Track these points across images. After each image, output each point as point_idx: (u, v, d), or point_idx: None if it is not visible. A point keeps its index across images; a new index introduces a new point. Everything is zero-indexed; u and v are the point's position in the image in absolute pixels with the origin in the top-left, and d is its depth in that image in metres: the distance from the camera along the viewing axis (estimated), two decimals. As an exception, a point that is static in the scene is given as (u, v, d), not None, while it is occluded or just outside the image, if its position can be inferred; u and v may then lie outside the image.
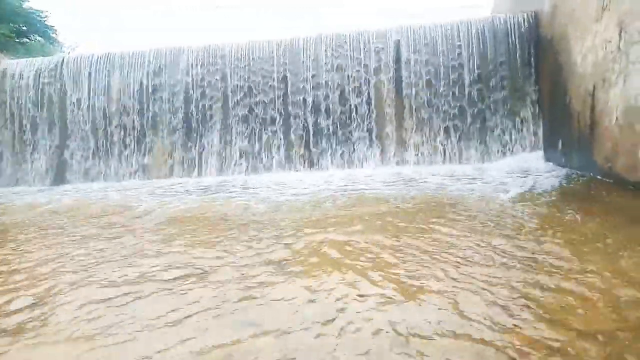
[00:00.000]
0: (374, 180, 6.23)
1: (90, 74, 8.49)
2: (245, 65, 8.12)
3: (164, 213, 4.79)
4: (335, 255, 2.87)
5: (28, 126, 8.65)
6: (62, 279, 2.80)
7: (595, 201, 4.35)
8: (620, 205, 4.08)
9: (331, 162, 7.85)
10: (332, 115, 7.89)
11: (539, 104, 7.33)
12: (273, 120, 8.04)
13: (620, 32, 4.68)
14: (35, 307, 2.37)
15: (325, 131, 7.91)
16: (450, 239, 3.15)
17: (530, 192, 4.79)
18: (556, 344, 1.69)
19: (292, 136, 7.99)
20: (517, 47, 7.40)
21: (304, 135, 7.96)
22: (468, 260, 2.67)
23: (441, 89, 7.60)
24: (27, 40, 14.70)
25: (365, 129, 7.83)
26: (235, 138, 8.14)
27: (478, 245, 2.96)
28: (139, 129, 8.34)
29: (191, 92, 8.23)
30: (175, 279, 2.67)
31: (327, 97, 7.90)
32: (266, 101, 8.06)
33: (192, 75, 8.24)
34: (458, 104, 7.55)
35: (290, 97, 7.99)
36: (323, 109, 7.92)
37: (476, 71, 7.50)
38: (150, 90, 8.31)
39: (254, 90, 8.09)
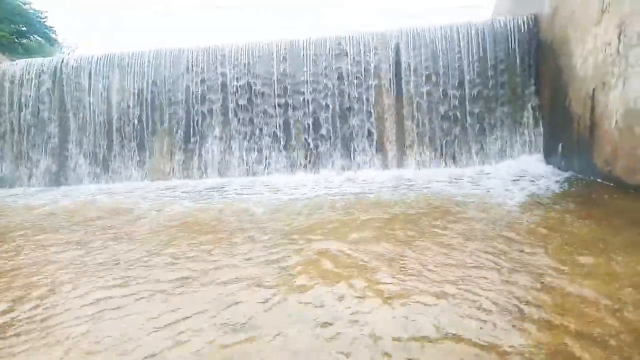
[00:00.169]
0: (374, 184, 6.22)
1: (90, 74, 8.48)
2: (245, 67, 8.11)
3: (161, 216, 4.77)
4: (334, 261, 2.85)
5: (27, 127, 8.63)
6: (54, 281, 2.78)
7: (596, 204, 4.35)
8: (621, 208, 4.08)
9: (331, 165, 7.84)
10: (332, 118, 7.89)
11: (539, 107, 7.34)
12: (273, 123, 8.03)
13: (620, 35, 4.68)
14: (20, 310, 2.35)
15: (325, 134, 7.91)
16: (451, 240, 3.14)
17: (531, 195, 4.78)
18: (557, 347, 1.68)
19: (292, 139, 7.98)
20: (517, 49, 7.41)
21: (304, 137, 7.95)
22: (468, 264, 2.66)
23: (441, 91, 7.60)
24: (27, 40, 14.70)
25: (365, 132, 7.83)
26: (235, 140, 8.13)
27: (478, 249, 2.95)
28: (138, 130, 8.33)
29: (191, 93, 8.22)
30: (170, 281, 2.66)
31: (327, 99, 7.90)
32: (266, 103, 8.05)
33: (192, 76, 8.23)
34: (458, 107, 7.55)
35: (290, 99, 7.99)
36: (323, 112, 7.92)
37: (476, 74, 7.50)
38: (150, 91, 8.30)
39: (254, 92, 8.08)
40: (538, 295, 2.15)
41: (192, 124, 8.22)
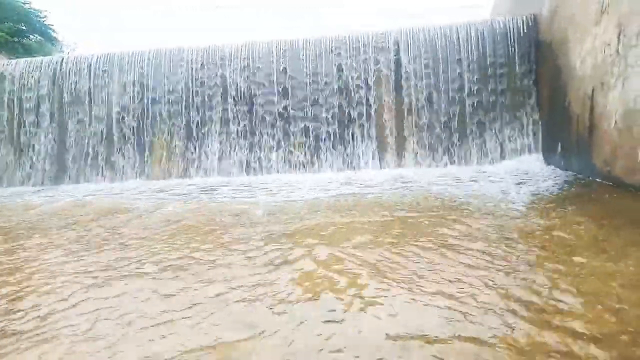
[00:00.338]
0: (373, 184, 6.21)
1: (89, 74, 8.47)
2: (244, 67, 8.12)
3: (158, 216, 4.75)
4: (332, 264, 2.84)
5: (26, 126, 8.62)
6: (51, 280, 2.78)
7: (595, 204, 4.35)
8: (620, 207, 4.08)
9: (331, 164, 7.84)
10: (331, 117, 7.89)
11: (538, 107, 7.35)
12: (273, 122, 8.03)
13: (619, 35, 4.69)
14: (17, 309, 2.35)
15: (325, 133, 7.91)
16: (451, 241, 3.15)
17: (530, 195, 4.78)
18: (556, 347, 1.68)
19: (292, 138, 7.98)
20: (517, 50, 7.42)
21: (304, 137, 7.95)
22: (468, 264, 2.66)
23: (441, 91, 7.61)
24: (27, 39, 14.68)
25: (364, 131, 7.83)
26: (235, 139, 8.13)
27: (477, 249, 2.95)
28: (137, 129, 8.33)
29: (190, 92, 8.22)
30: (166, 281, 2.66)
31: (326, 99, 7.90)
32: (265, 103, 8.05)
33: (191, 75, 8.23)
34: (458, 106, 7.56)
35: (289, 98, 7.99)
36: (322, 111, 7.92)
37: (475, 74, 7.51)
38: (149, 90, 8.30)
39: (254, 92, 8.08)
40: (537, 295, 2.15)
41: (191, 123, 8.22)
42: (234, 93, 8.12)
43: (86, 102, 8.46)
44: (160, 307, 2.25)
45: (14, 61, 9.03)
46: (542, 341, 1.73)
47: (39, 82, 8.59)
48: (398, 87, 7.76)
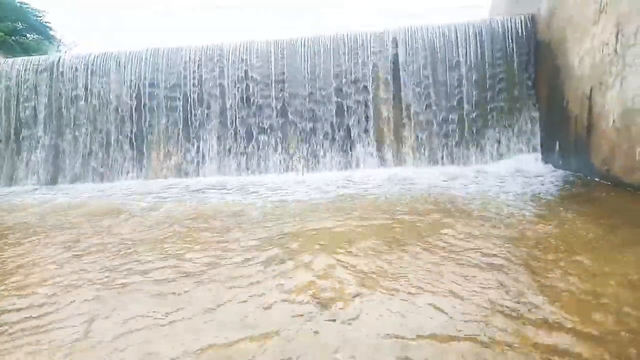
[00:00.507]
0: (372, 183, 6.20)
1: (86, 73, 8.44)
2: (243, 66, 8.10)
3: (153, 217, 4.71)
4: (330, 267, 2.83)
5: (23, 125, 8.59)
6: (47, 281, 2.77)
7: (593, 203, 4.36)
8: (618, 207, 4.09)
9: (329, 164, 7.83)
10: (330, 117, 7.88)
11: (536, 107, 7.36)
12: (271, 121, 8.02)
13: (617, 34, 4.70)
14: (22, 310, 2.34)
15: (323, 133, 7.90)
16: (452, 240, 3.14)
17: (529, 194, 4.79)
18: (555, 346, 1.68)
19: (290, 137, 7.97)
20: (515, 49, 7.43)
21: (302, 136, 7.94)
22: (467, 264, 2.66)
23: (439, 90, 7.61)
24: (24, 38, 14.62)
25: (363, 130, 7.83)
26: (233, 139, 8.11)
27: (477, 249, 2.95)
28: (135, 129, 8.30)
29: (188, 91, 8.20)
30: (163, 282, 2.65)
31: (324, 98, 7.89)
32: (264, 102, 8.04)
33: (189, 74, 8.21)
34: (456, 106, 7.57)
35: (288, 98, 7.98)
36: (321, 110, 7.91)
37: (474, 73, 7.51)
38: (147, 89, 8.27)
39: (252, 91, 8.07)
40: (536, 295, 2.15)
41: (189, 122, 8.20)
42: (231, 92, 8.11)
43: (83, 101, 8.43)
44: (157, 308, 2.24)
45: (10, 60, 8.99)
46: (540, 341, 1.73)
47: (35, 81, 8.55)
48: (396, 87, 7.76)
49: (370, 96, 7.81)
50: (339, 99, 7.87)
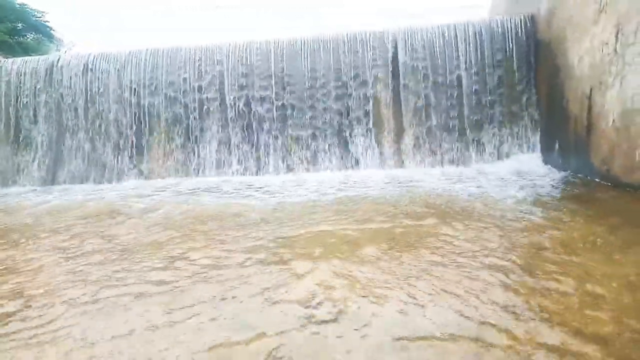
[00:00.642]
0: (372, 184, 6.17)
1: (86, 73, 8.44)
2: (242, 66, 8.09)
3: (152, 218, 4.69)
4: (329, 271, 2.82)
5: (22, 126, 8.58)
6: (46, 281, 2.76)
7: (593, 203, 4.35)
8: (618, 207, 4.09)
9: (330, 163, 7.83)
10: (330, 117, 7.88)
11: (536, 106, 7.35)
12: (271, 121, 8.01)
13: (617, 34, 4.69)
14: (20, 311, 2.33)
15: (324, 133, 7.90)
16: (453, 241, 3.14)
17: (529, 194, 4.78)
18: (556, 347, 1.68)
19: (290, 138, 7.97)
20: (515, 49, 7.42)
21: (302, 136, 7.94)
22: (467, 265, 2.65)
23: (439, 91, 7.61)
24: (24, 39, 14.63)
25: (363, 131, 7.82)
26: (233, 139, 8.11)
27: (476, 250, 2.94)
28: (135, 129, 8.29)
29: (188, 92, 8.20)
30: (162, 283, 2.64)
31: (324, 98, 7.89)
32: (264, 102, 8.03)
33: (189, 74, 8.20)
34: (456, 106, 7.56)
35: (287, 98, 7.97)
36: (321, 111, 7.91)
37: (474, 73, 7.51)
38: (146, 90, 8.27)
39: (252, 91, 8.06)
40: (536, 295, 2.14)
41: (189, 122, 8.19)
42: (231, 92, 8.10)
43: (83, 101, 8.42)
44: (155, 309, 2.24)
45: (10, 60, 8.99)
46: (541, 341, 1.72)
47: (35, 81, 8.54)
48: (396, 87, 7.76)
49: (371, 97, 7.81)
50: (339, 100, 7.87)
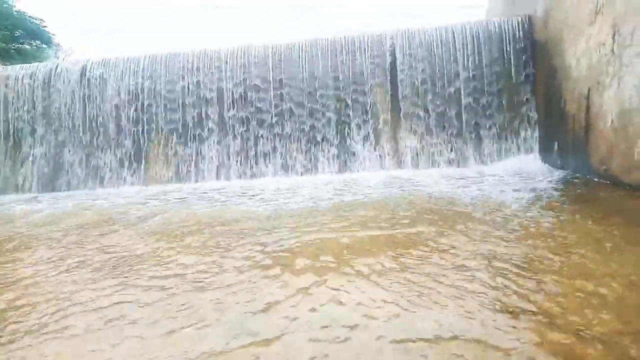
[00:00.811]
0: (372, 187, 6.16)
1: (84, 80, 8.45)
2: (240, 70, 8.12)
3: (150, 224, 4.68)
4: (328, 277, 2.83)
5: (21, 133, 8.59)
6: (35, 294, 2.76)
7: (592, 203, 4.36)
8: (617, 206, 4.10)
9: (328, 167, 7.84)
10: (328, 119, 7.90)
11: (534, 107, 7.38)
12: (270, 125, 8.03)
13: (614, 35, 4.72)
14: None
15: (322, 136, 7.91)
16: (450, 241, 3.14)
17: (527, 194, 4.79)
18: (557, 347, 1.68)
19: (289, 141, 7.98)
20: (512, 50, 7.46)
21: (301, 139, 7.95)
22: (468, 266, 2.65)
23: (437, 92, 7.63)
24: (22, 46, 14.67)
25: (362, 133, 7.84)
26: (232, 143, 8.12)
27: (477, 250, 2.95)
28: (134, 135, 8.30)
29: (187, 96, 8.21)
30: (160, 289, 2.64)
31: (323, 101, 7.91)
32: (262, 106, 8.05)
33: (187, 79, 8.23)
34: (454, 108, 7.59)
35: (286, 102, 7.99)
36: (319, 114, 7.92)
37: (471, 74, 7.54)
38: (145, 96, 8.28)
39: (250, 95, 8.08)
40: (537, 295, 2.14)
41: (187, 128, 8.21)
42: (229, 97, 8.12)
43: (81, 108, 8.43)
44: (153, 315, 2.24)
45: (8, 68, 9.01)
46: (542, 341, 1.72)
47: (33, 88, 8.56)
48: (394, 89, 7.78)
49: (369, 99, 7.83)
50: (338, 102, 7.89)
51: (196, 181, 8.03)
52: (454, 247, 3.05)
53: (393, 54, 7.81)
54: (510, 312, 1.99)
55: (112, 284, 2.73)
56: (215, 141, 8.16)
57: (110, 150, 8.34)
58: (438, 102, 7.63)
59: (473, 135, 7.53)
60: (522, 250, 2.89)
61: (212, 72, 8.19)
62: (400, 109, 7.76)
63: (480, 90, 7.52)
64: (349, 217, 4.22)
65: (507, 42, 7.48)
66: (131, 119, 8.30)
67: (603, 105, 5.00)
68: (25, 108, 8.56)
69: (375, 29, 8.09)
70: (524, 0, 7.71)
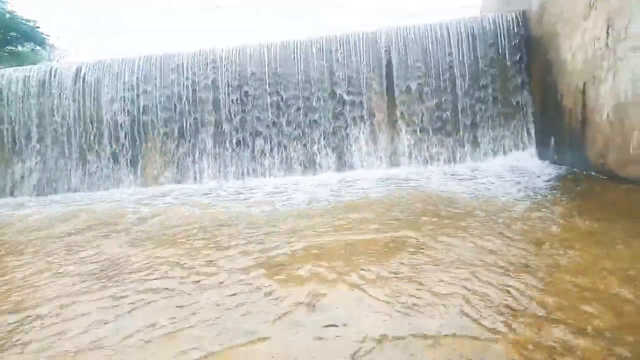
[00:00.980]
0: (370, 186, 6.12)
1: (79, 81, 8.40)
2: (236, 69, 8.09)
3: (148, 226, 4.65)
4: (328, 279, 2.82)
5: (15, 136, 8.53)
6: (38, 295, 2.75)
7: (589, 197, 4.37)
8: (614, 200, 4.11)
9: (326, 166, 7.83)
10: (324, 118, 7.88)
11: (530, 102, 7.38)
12: (266, 125, 8.01)
13: (608, 29, 4.72)
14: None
15: (319, 135, 7.90)
16: (448, 239, 3.15)
17: (524, 190, 4.80)
18: (555, 343, 1.68)
19: (286, 140, 7.96)
20: (507, 46, 7.45)
21: (298, 139, 7.93)
22: (467, 264, 2.66)
23: (432, 89, 7.63)
24: (17, 48, 14.58)
25: (358, 131, 7.83)
26: (229, 143, 8.09)
27: (475, 247, 2.95)
28: (129, 137, 8.26)
29: (183, 97, 8.18)
30: (158, 291, 2.63)
31: (320, 101, 7.89)
32: (259, 106, 8.03)
33: (183, 80, 8.19)
34: (450, 105, 7.58)
35: (283, 101, 7.97)
36: (315, 113, 7.91)
37: (467, 70, 7.54)
38: (140, 97, 8.24)
39: (246, 95, 8.05)
40: (535, 292, 2.15)
41: (184, 128, 8.17)
42: (226, 97, 8.09)
43: (76, 110, 8.38)
44: (153, 317, 2.23)
45: (1, 71, 8.94)
46: (541, 338, 1.72)
47: (27, 90, 8.50)
48: (390, 87, 7.77)
49: (365, 98, 7.82)
50: (334, 102, 7.87)
51: (193, 182, 8.00)
52: (450, 245, 3.05)
53: (388, 52, 7.79)
54: (506, 307, 1.99)
55: (105, 289, 2.72)
56: (212, 142, 8.14)
57: (105, 152, 8.30)
58: (433, 99, 7.62)
59: (469, 132, 7.53)
60: (519, 245, 2.90)
61: (208, 72, 8.16)
62: (396, 106, 7.75)
63: (476, 86, 7.52)
64: (347, 217, 4.22)
65: (502, 37, 7.48)
66: (126, 120, 8.25)
67: (599, 99, 5.01)
68: (20, 110, 8.49)
69: (369, 28, 8.05)
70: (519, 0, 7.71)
